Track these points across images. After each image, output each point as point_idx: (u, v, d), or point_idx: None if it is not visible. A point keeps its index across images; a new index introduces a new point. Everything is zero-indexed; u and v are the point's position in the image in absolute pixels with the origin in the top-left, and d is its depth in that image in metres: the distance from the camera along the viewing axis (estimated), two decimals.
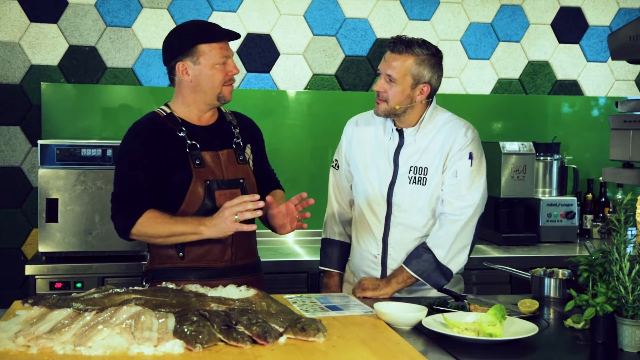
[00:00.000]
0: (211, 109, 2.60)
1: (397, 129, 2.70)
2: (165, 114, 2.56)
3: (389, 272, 2.69)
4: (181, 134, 2.52)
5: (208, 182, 2.50)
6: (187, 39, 2.50)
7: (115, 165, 2.58)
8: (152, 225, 2.43)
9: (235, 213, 2.33)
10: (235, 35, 2.56)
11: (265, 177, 2.74)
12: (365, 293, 2.60)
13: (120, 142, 2.51)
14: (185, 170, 2.48)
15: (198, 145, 2.52)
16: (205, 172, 2.51)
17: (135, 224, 2.44)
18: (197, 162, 2.50)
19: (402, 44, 2.59)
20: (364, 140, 2.77)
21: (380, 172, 2.71)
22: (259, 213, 2.38)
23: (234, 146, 2.61)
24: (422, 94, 2.63)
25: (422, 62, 2.59)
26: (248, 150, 2.65)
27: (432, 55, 2.62)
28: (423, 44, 2.61)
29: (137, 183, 2.47)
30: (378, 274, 2.71)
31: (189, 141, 2.52)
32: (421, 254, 2.60)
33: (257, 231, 2.69)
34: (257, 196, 2.37)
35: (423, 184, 2.65)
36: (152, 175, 2.47)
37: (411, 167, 2.67)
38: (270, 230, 2.66)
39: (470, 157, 2.63)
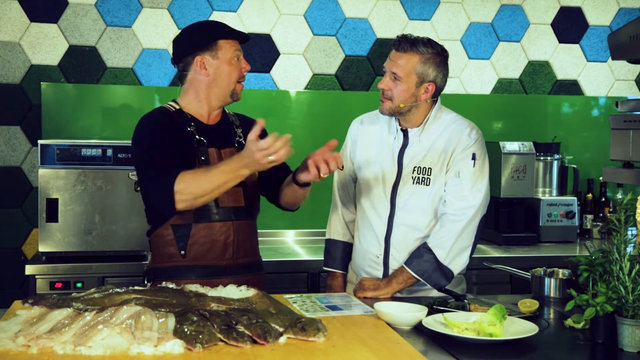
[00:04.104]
0: (222, 106, 2.62)
1: (401, 129, 2.70)
2: (174, 109, 2.57)
3: (390, 272, 2.68)
4: (190, 129, 2.53)
5: None
6: (208, 33, 2.55)
7: (134, 156, 2.56)
8: (192, 184, 2.35)
9: (268, 155, 2.27)
10: (247, 37, 2.62)
11: (281, 170, 2.63)
12: (365, 293, 2.60)
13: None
14: (190, 165, 2.48)
15: (205, 142, 2.53)
16: None
17: (174, 192, 2.34)
18: (203, 158, 2.51)
19: (407, 43, 2.60)
20: (368, 140, 2.78)
21: (384, 172, 2.71)
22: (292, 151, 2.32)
23: (236, 145, 2.61)
24: (427, 92, 2.63)
25: (427, 60, 2.59)
26: None
27: (437, 54, 2.62)
28: (428, 42, 2.61)
29: (160, 159, 2.43)
30: (380, 274, 2.71)
31: (197, 137, 2.52)
32: (422, 254, 2.60)
33: (257, 231, 2.71)
34: (287, 137, 2.28)
35: (427, 185, 2.65)
36: (171, 151, 2.45)
37: (415, 167, 2.67)
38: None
39: (474, 157, 2.63)
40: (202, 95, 2.57)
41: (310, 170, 2.44)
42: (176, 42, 2.61)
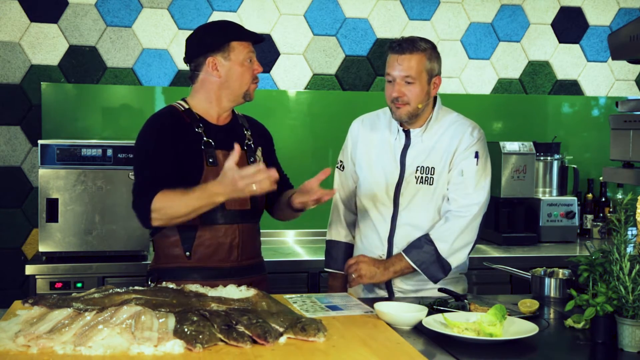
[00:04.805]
0: (233, 106, 2.62)
1: (403, 130, 2.71)
2: (183, 109, 2.57)
3: None
4: (198, 130, 2.53)
5: None
6: (220, 35, 2.54)
7: (133, 157, 2.58)
8: (168, 206, 2.39)
9: (250, 184, 2.28)
10: (260, 38, 2.61)
11: (281, 182, 2.72)
12: (362, 280, 2.61)
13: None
14: (198, 167, 2.49)
15: (213, 144, 2.53)
16: (217, 171, 2.50)
17: (151, 210, 2.40)
18: (211, 160, 2.51)
19: (407, 44, 2.62)
20: (370, 141, 2.78)
21: (386, 172, 2.71)
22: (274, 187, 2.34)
23: (245, 147, 2.61)
24: (435, 87, 2.67)
25: (430, 56, 2.64)
26: (259, 153, 2.66)
27: (433, 48, 2.67)
28: (422, 39, 2.66)
29: (154, 172, 2.46)
30: None
31: (205, 138, 2.52)
32: (422, 245, 2.61)
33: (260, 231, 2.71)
34: (273, 171, 2.31)
35: (430, 184, 2.66)
36: (168, 164, 2.47)
37: (418, 167, 2.68)
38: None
39: (476, 156, 2.65)
40: (213, 96, 2.56)
41: (306, 201, 2.53)
42: (189, 41, 2.59)
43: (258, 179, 2.28)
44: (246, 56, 2.54)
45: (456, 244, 2.61)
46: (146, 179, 2.47)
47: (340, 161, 2.89)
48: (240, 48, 2.53)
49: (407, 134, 2.71)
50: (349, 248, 2.87)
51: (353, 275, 2.64)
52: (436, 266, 2.60)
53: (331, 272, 2.90)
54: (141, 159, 2.53)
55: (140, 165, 2.52)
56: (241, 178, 2.27)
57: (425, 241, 2.62)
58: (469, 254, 2.68)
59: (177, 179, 2.46)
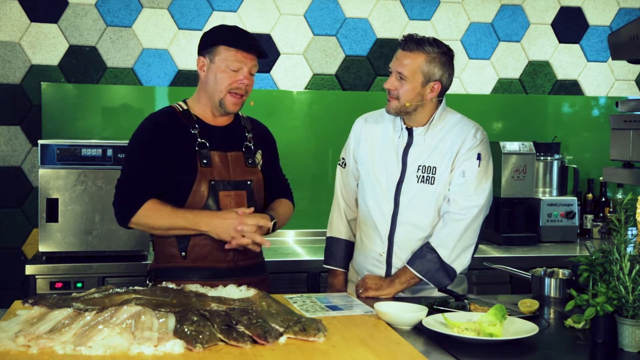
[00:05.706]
0: (219, 113, 2.59)
1: (406, 128, 2.71)
2: (181, 109, 2.58)
3: (393, 270, 2.69)
4: (193, 131, 2.53)
5: (212, 183, 2.50)
6: (212, 36, 2.55)
7: (125, 152, 2.60)
8: (153, 217, 2.45)
9: (242, 233, 2.42)
10: (262, 53, 2.56)
11: (274, 184, 2.73)
12: (368, 293, 2.61)
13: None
14: (192, 168, 2.49)
15: (207, 145, 2.53)
16: (211, 172, 2.51)
17: (135, 214, 2.45)
18: (204, 161, 2.51)
19: (412, 42, 2.61)
20: (373, 138, 2.78)
21: (388, 170, 2.71)
22: (257, 249, 2.51)
23: (244, 149, 2.61)
24: (432, 91, 2.64)
25: (433, 59, 2.60)
26: (259, 155, 2.65)
27: (443, 54, 2.63)
28: (434, 42, 2.63)
29: (143, 172, 2.49)
30: (382, 272, 2.71)
31: (199, 139, 2.52)
32: (425, 254, 2.61)
33: None
34: (267, 243, 2.48)
35: (431, 183, 2.66)
36: (159, 167, 2.48)
37: (419, 166, 2.67)
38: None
39: (479, 157, 2.65)
40: (202, 96, 2.58)
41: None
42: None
43: (251, 236, 2.44)
44: (231, 64, 2.49)
45: (457, 248, 2.60)
46: (132, 180, 2.50)
47: (343, 158, 2.89)
48: (227, 54, 2.49)
49: (410, 132, 2.70)
50: (349, 246, 2.87)
51: (360, 290, 2.64)
52: (441, 273, 2.60)
53: (331, 269, 2.90)
54: (130, 157, 2.55)
55: (128, 163, 2.55)
56: (241, 225, 2.41)
57: (427, 250, 2.61)
58: (472, 256, 2.67)
59: (168, 179, 2.48)
